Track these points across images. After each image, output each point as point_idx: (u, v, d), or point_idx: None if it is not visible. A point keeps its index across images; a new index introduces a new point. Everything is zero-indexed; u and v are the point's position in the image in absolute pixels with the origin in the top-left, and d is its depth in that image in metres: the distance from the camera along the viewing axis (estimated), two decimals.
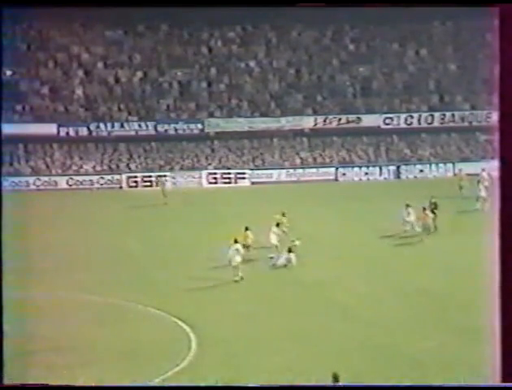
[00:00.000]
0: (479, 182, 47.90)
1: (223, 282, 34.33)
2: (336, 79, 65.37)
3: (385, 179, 60.25)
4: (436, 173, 60.93)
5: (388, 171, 61.03)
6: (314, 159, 62.06)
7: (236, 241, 34.54)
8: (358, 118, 63.02)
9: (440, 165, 61.55)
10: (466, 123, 63.83)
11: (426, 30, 68.00)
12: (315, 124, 62.85)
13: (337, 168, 61.03)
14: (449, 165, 61.45)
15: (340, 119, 62.82)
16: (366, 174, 60.95)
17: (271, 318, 30.20)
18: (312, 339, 27.93)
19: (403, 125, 63.31)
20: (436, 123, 63.57)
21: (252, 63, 65.83)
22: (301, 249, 37.12)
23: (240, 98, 63.84)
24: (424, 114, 63.73)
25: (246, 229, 36.95)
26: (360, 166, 61.32)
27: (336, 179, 60.64)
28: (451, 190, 50.62)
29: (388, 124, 63.31)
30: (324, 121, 62.81)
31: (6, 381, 13.28)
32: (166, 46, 66.08)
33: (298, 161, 61.90)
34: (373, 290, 33.38)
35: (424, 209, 40.07)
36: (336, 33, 67.28)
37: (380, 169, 61.08)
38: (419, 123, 63.46)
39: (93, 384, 19.57)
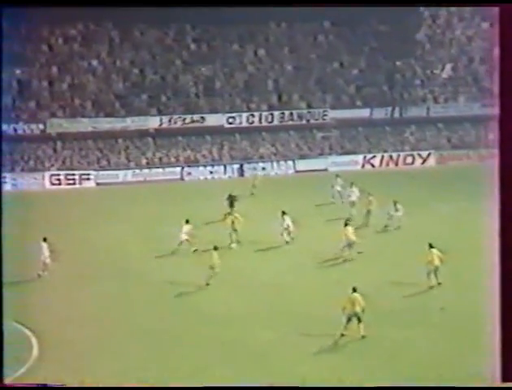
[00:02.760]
0: (337, 176, 47.80)
1: (58, 283, 32.53)
2: (180, 79, 61.57)
3: (229, 177, 57.17)
4: (278, 170, 58.41)
5: (232, 169, 57.99)
6: (160, 159, 58.28)
7: (44, 240, 33.15)
8: (202, 117, 59.58)
9: (281, 162, 59.02)
10: (303, 121, 61.66)
11: (262, 31, 65.23)
12: (160, 124, 59.05)
13: (183, 168, 57.39)
14: (290, 162, 59.17)
15: (184, 119, 59.19)
16: (211, 172, 57.83)
17: (117, 318, 28.83)
18: (160, 337, 26.76)
19: (245, 124, 60.55)
20: (275, 122, 61.14)
21: (95, 62, 60.89)
22: (148, 248, 36.25)
23: (83, 98, 58.95)
24: (265, 113, 61.07)
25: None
26: (205, 165, 58.10)
27: (182, 179, 56.90)
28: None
29: (231, 123, 60.36)
30: (169, 121, 59.00)
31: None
32: (3, 44, 59.33)
33: (144, 161, 57.92)
34: (220, 287, 32.16)
35: (346, 224, 36.58)
36: (178, 33, 63.48)
37: (225, 167, 57.95)
38: (260, 122, 60.89)
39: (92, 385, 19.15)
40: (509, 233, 13.07)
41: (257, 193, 49.01)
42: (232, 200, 42.29)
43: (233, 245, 37.55)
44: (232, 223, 38.13)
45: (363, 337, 26.06)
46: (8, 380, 21.35)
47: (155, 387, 20.73)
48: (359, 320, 26.06)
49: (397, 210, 40.51)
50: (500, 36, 12.63)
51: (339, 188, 47.37)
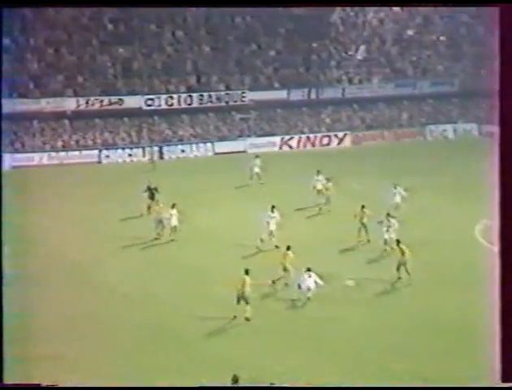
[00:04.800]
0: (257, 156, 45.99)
1: None
2: (97, 59, 56.72)
3: (149, 160, 52.81)
4: (197, 153, 54.77)
5: (151, 151, 53.74)
6: (77, 142, 53.70)
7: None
8: (120, 99, 55.14)
9: (201, 145, 55.35)
10: (222, 103, 57.89)
11: (180, 13, 60.73)
12: (78, 106, 54.28)
13: (100, 150, 52.94)
14: (209, 144, 55.66)
15: (102, 101, 54.68)
16: (130, 155, 53.69)
17: (45, 305, 26.92)
18: (79, 322, 25.28)
19: (164, 106, 56.45)
20: (195, 104, 57.23)
21: (6, 41, 55.11)
22: (65, 231, 34.43)
23: None
24: (184, 95, 57.15)
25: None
26: (123, 148, 53.83)
27: (100, 162, 52.53)
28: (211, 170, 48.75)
29: (149, 105, 56.06)
30: (86, 103, 54.43)
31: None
32: None
33: (60, 143, 53.25)
34: (136, 269, 30.65)
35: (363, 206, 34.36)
36: (94, 12, 58.26)
37: (144, 150, 53.59)
38: (179, 104, 56.89)
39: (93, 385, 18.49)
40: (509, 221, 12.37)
41: (176, 176, 45.66)
42: (151, 192, 38.15)
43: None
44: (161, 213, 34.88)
45: (246, 319, 25.00)
46: None
47: (155, 387, 19.57)
48: (246, 302, 24.87)
49: (398, 193, 37.36)
50: (500, 36, 11.51)
51: (257, 170, 44.56)
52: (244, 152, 55.10)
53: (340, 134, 59.67)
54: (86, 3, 18.07)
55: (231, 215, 38.25)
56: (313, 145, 58.72)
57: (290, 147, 57.94)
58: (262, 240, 32.53)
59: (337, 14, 67.10)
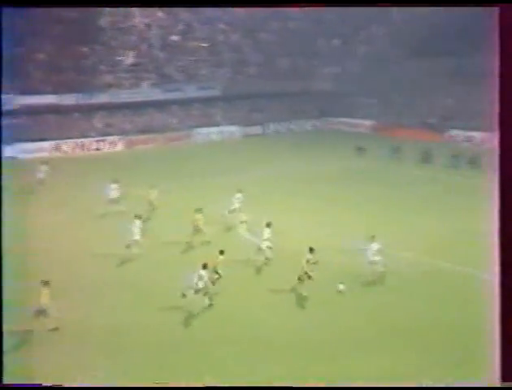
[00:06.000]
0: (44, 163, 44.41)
1: None
2: None
3: None
4: None
5: None
6: None
7: None
8: None
9: None
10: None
11: None
12: None
13: None
14: None
15: None
16: None
17: None
18: None
19: None
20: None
21: None
22: None
23: None
24: None
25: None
26: None
27: None
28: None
29: None
30: None
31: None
32: None
33: None
34: None
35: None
36: None
37: None
38: None
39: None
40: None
41: None
42: None
43: None
44: None
45: (54, 329, 23.71)
46: None
47: (155, 388, 18.60)
48: (45, 314, 23.66)
49: (239, 199, 35.51)
50: (500, 36, 11.50)
51: (42, 176, 42.96)
52: (15, 158, 52.39)
53: (112, 138, 58.82)
54: (87, 3, 17.89)
55: (20, 221, 36.13)
56: (86, 149, 57.31)
57: (62, 152, 56.06)
58: (128, 247, 30.39)
59: (106, 18, 65.80)
